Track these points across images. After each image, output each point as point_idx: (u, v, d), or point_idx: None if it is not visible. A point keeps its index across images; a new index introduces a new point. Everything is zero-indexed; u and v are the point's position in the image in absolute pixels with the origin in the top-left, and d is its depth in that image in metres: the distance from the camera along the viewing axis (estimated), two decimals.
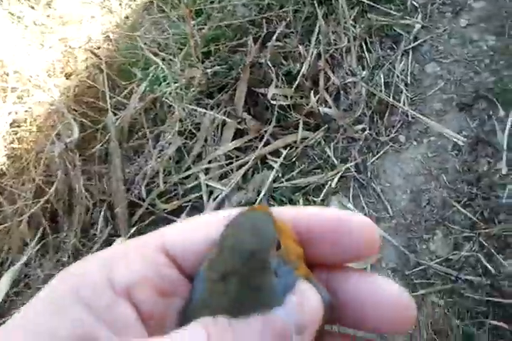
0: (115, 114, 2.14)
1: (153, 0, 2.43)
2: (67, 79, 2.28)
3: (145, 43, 2.11)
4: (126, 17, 2.43)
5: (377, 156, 2.18)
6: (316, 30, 2.38)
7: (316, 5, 2.41)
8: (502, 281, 1.75)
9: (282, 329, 0.24)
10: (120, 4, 2.44)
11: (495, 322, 1.66)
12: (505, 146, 2.10)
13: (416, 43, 2.50)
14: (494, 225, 1.91)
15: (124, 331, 0.25)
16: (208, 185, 2.11)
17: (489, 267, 1.81)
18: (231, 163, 2.16)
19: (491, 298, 1.72)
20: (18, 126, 2.12)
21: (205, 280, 0.26)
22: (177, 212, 2.07)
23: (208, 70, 2.10)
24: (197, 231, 0.29)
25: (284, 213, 0.29)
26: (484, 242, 1.88)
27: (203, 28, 2.25)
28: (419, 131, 2.23)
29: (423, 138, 2.21)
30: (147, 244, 0.28)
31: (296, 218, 0.29)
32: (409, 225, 1.98)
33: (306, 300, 0.26)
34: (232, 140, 2.19)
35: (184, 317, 0.27)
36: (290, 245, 0.28)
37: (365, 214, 2.03)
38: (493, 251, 1.85)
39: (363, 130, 2.24)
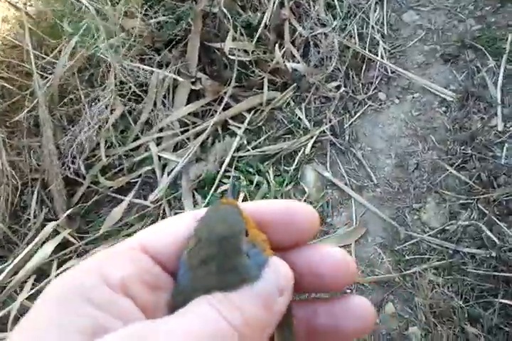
0: (44, 78, 1.79)
1: None
2: None
3: None
4: None
5: (355, 117, 1.90)
6: None
7: None
8: (509, 252, 1.49)
9: (268, 294, 0.29)
10: None
11: (505, 301, 1.41)
12: (498, 100, 1.84)
13: None
14: (493, 189, 1.65)
15: (130, 320, 0.27)
16: (160, 157, 1.79)
17: (492, 237, 1.55)
18: (186, 130, 1.84)
19: (497, 273, 1.46)
20: None
21: (189, 269, 0.30)
22: (125, 190, 1.75)
23: (152, 21, 1.76)
24: (170, 231, 0.32)
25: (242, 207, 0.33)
26: (484, 209, 1.62)
27: None
28: (401, 87, 1.96)
29: (406, 94, 1.94)
30: (129, 247, 0.31)
31: (251, 212, 0.33)
32: (397, 194, 1.71)
33: (279, 269, 0.31)
34: (187, 103, 1.88)
35: (175, 304, 0.29)
36: (255, 232, 0.32)
37: (346, 184, 1.75)
38: (494, 218, 1.60)
39: (338, 88, 1.95)
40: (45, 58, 1.84)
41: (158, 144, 1.81)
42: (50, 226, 1.54)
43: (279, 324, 0.30)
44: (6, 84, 1.79)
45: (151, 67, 1.80)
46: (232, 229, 0.30)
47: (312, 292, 0.35)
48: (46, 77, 1.80)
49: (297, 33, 1.99)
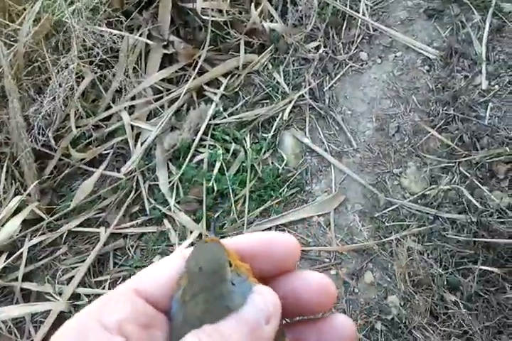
0: (10, 46, 1.71)
1: None
2: None
3: None
4: None
5: (335, 79, 1.83)
6: None
7: None
8: (490, 217, 1.47)
9: (254, 322, 0.31)
10: None
11: (484, 268, 1.39)
12: (483, 56, 1.77)
13: None
14: (476, 151, 1.61)
15: None
16: (133, 127, 1.73)
17: (474, 201, 1.52)
18: (160, 97, 1.78)
19: (477, 239, 1.44)
20: None
21: (181, 305, 0.33)
22: (98, 162, 1.70)
23: None
24: (161, 273, 0.35)
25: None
26: (466, 172, 1.59)
27: None
28: (383, 45, 1.88)
29: (388, 53, 1.86)
30: (124, 291, 0.34)
31: (233, 246, 0.36)
32: (377, 158, 1.67)
33: (265, 297, 0.33)
34: (160, 69, 1.80)
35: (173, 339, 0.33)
36: (239, 263, 0.35)
37: (325, 150, 1.70)
38: (476, 182, 1.56)
39: (317, 48, 1.87)
40: (9, 25, 1.76)
41: (130, 113, 1.74)
42: (16, 200, 1.50)
43: None
44: None
45: (121, 31, 1.71)
46: (217, 262, 0.33)
47: (297, 316, 0.37)
48: (12, 45, 1.72)
49: None
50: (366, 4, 1.94)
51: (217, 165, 1.65)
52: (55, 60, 1.67)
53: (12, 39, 1.74)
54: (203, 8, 1.80)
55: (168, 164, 1.67)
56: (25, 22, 1.67)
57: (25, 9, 1.79)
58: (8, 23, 1.76)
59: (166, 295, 0.34)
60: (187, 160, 1.65)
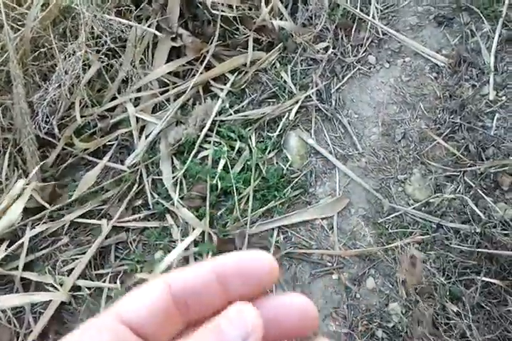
0: (16, 30, 1.66)
1: None
2: None
3: None
4: None
5: (342, 81, 1.82)
6: None
7: None
8: (494, 229, 1.47)
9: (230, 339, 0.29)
10: None
11: (487, 279, 1.40)
12: (492, 67, 1.77)
13: None
14: (481, 161, 1.62)
15: None
16: (138, 119, 1.70)
17: (477, 212, 1.52)
18: (166, 91, 1.75)
19: (481, 250, 1.44)
20: None
21: None
22: (101, 153, 1.67)
23: None
24: (143, 298, 0.34)
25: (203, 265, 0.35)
26: (470, 182, 1.59)
27: None
28: (392, 50, 1.87)
29: (396, 58, 1.86)
30: (105, 318, 0.33)
31: (211, 267, 0.35)
32: (382, 164, 1.67)
33: (243, 313, 0.31)
34: (167, 62, 1.77)
35: None
36: None
37: (330, 152, 1.69)
38: (481, 192, 1.56)
39: (326, 49, 1.86)
40: (17, 9, 1.71)
41: (135, 105, 1.71)
42: (19, 185, 1.47)
43: None
44: None
45: (129, 20, 1.68)
46: None
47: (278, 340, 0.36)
48: (19, 30, 1.67)
49: None
50: (376, 7, 1.94)
51: (222, 162, 1.63)
52: (61, 47, 1.63)
53: (19, 23, 1.69)
54: (212, 3, 1.78)
55: (172, 159, 1.65)
56: (33, 6, 1.62)
57: None
58: (15, 6, 1.71)
59: (149, 321, 0.33)
60: (191, 155, 1.63)
